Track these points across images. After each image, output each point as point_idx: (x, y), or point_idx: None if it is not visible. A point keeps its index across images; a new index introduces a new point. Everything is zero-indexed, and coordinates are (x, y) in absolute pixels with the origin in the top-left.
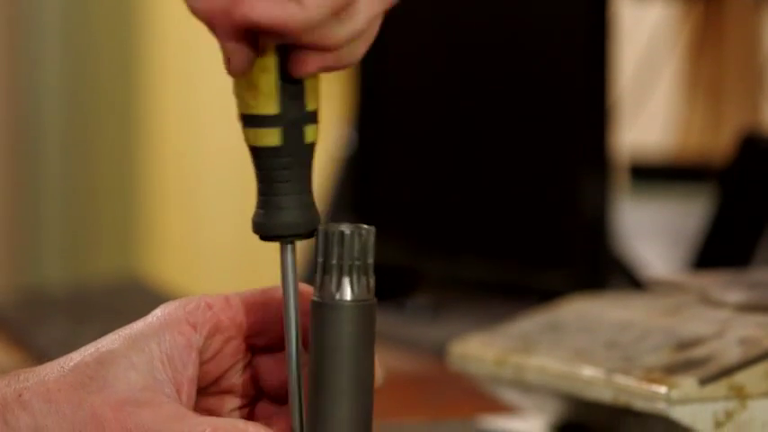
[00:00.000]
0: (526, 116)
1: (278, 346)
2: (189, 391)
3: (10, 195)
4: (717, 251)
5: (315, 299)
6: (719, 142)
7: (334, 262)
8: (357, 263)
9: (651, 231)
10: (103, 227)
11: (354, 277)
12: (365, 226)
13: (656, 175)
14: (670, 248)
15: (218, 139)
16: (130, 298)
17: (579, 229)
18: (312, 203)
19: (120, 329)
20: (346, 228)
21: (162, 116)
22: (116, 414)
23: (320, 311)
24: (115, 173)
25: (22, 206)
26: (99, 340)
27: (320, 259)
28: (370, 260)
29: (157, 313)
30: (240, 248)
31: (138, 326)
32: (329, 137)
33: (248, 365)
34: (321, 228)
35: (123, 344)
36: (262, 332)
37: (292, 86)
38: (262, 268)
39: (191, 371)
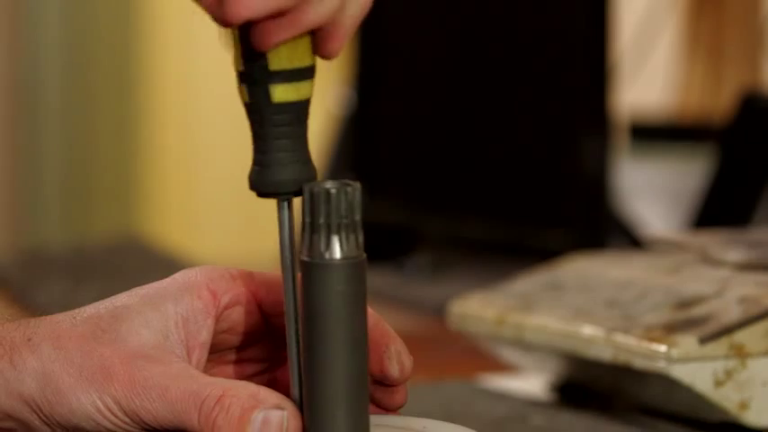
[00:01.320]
0: (527, 76)
1: None
2: (199, 355)
3: (10, 156)
4: (717, 210)
5: (304, 258)
6: (720, 102)
7: (322, 221)
8: (345, 221)
9: (651, 191)
10: (103, 187)
11: (343, 235)
12: (351, 182)
13: (656, 134)
14: (670, 208)
15: (217, 99)
16: (130, 258)
17: (579, 188)
18: (307, 161)
19: (138, 288)
20: (332, 186)
21: (161, 76)
22: (125, 366)
23: (310, 271)
24: (114, 133)
25: (22, 167)
26: (115, 296)
27: (307, 219)
28: (358, 217)
29: (178, 277)
30: (239, 208)
31: (156, 286)
32: (328, 96)
33: (268, 335)
34: (307, 187)
35: (140, 301)
36: (281, 315)
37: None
38: (261, 227)
39: (204, 336)
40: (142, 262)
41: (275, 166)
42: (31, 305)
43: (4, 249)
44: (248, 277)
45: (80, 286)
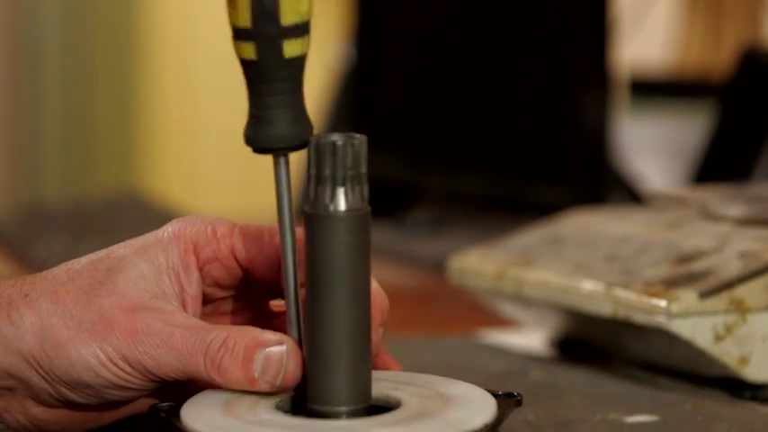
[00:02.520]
0: (527, 32)
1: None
2: (194, 308)
3: (9, 112)
4: (717, 166)
5: (309, 210)
6: (720, 57)
7: (328, 173)
8: (350, 173)
9: (651, 147)
10: (102, 142)
11: (348, 187)
12: (357, 135)
13: (656, 90)
14: (670, 164)
15: (217, 54)
16: (129, 213)
17: (579, 144)
18: (303, 116)
19: (132, 240)
20: (338, 138)
21: (162, 31)
22: (126, 316)
23: (315, 223)
24: (114, 89)
25: (21, 122)
26: (108, 248)
27: (313, 171)
28: (364, 169)
29: (168, 228)
30: (239, 163)
31: (149, 237)
32: (328, 52)
33: (253, 288)
34: (313, 139)
35: (134, 253)
36: (261, 268)
37: (264, 1)
38: (260, 183)
39: (195, 289)
40: (142, 217)
41: (273, 121)
42: (30, 261)
43: (3, 205)
44: (228, 231)
45: (80, 242)
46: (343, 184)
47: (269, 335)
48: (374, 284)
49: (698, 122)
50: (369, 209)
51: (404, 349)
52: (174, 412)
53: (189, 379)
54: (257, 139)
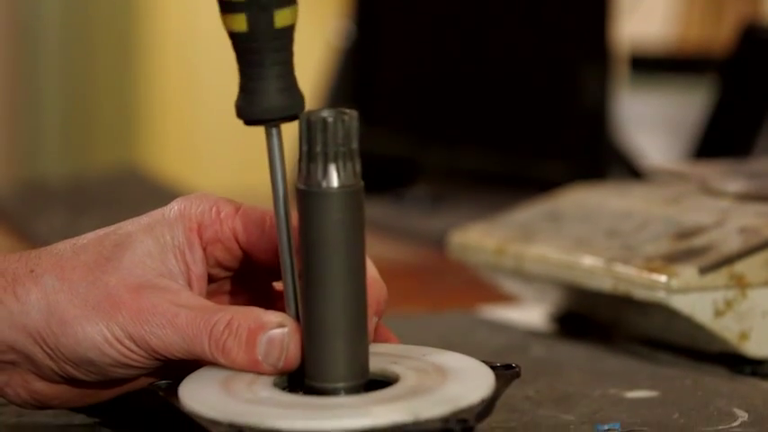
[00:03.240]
0: (527, 8)
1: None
2: (200, 287)
3: (10, 88)
4: (717, 142)
5: (301, 187)
6: (720, 33)
7: (319, 149)
8: (342, 149)
9: (651, 122)
10: (103, 118)
11: (340, 163)
12: (348, 110)
13: (656, 66)
14: (670, 139)
15: (218, 29)
16: (129, 189)
17: (579, 119)
18: (294, 87)
19: (138, 217)
20: (329, 114)
21: (163, 7)
22: (132, 295)
23: (308, 200)
24: (115, 65)
25: (22, 98)
26: (115, 225)
27: (304, 147)
28: (355, 145)
29: (174, 206)
30: (239, 139)
31: (154, 215)
32: (328, 28)
33: (254, 270)
34: (303, 115)
35: (140, 230)
36: (262, 252)
37: None
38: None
39: (200, 268)
40: (141, 193)
41: (264, 93)
42: (31, 237)
43: (4, 181)
44: (232, 213)
45: (80, 217)
46: (335, 161)
47: (271, 316)
48: (373, 273)
49: (698, 98)
50: (362, 184)
51: (403, 325)
52: (173, 390)
53: (193, 359)
54: (249, 110)
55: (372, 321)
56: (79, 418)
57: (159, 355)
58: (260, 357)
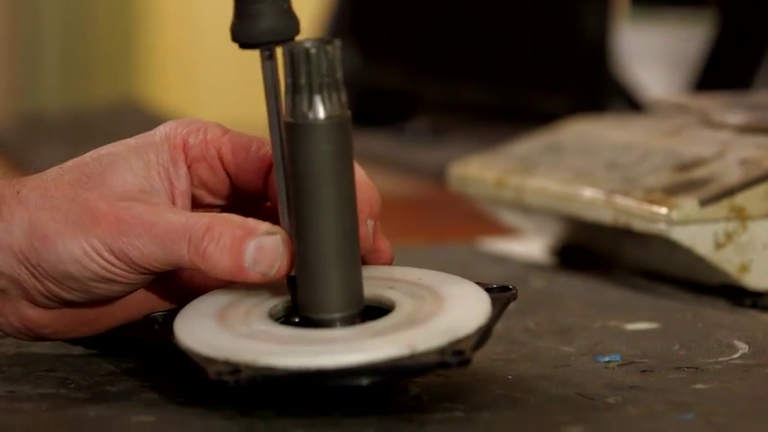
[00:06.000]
0: None
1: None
2: (183, 204)
3: (9, 22)
4: (717, 74)
5: (288, 120)
6: None
7: (303, 81)
8: (326, 80)
9: (652, 55)
10: (102, 51)
11: (325, 94)
12: (331, 40)
13: None
14: (670, 72)
15: None
16: (128, 122)
17: (579, 52)
18: (289, 10)
19: (125, 140)
20: (311, 45)
21: None
22: (110, 207)
23: (295, 132)
24: None
25: (20, 32)
26: (102, 147)
27: (289, 80)
28: (340, 75)
29: (161, 128)
30: (238, 71)
31: (142, 136)
32: None
33: (239, 197)
34: (286, 47)
35: (125, 149)
36: (245, 176)
37: None
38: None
39: (184, 184)
40: (141, 126)
41: (259, 15)
42: (29, 169)
43: (3, 115)
44: (219, 135)
45: (79, 150)
46: (320, 92)
47: (258, 223)
48: (362, 176)
49: (699, 30)
50: (349, 114)
51: (404, 258)
52: (169, 323)
53: (175, 268)
54: (243, 33)
55: (368, 225)
56: (78, 350)
57: (140, 268)
58: (246, 264)
